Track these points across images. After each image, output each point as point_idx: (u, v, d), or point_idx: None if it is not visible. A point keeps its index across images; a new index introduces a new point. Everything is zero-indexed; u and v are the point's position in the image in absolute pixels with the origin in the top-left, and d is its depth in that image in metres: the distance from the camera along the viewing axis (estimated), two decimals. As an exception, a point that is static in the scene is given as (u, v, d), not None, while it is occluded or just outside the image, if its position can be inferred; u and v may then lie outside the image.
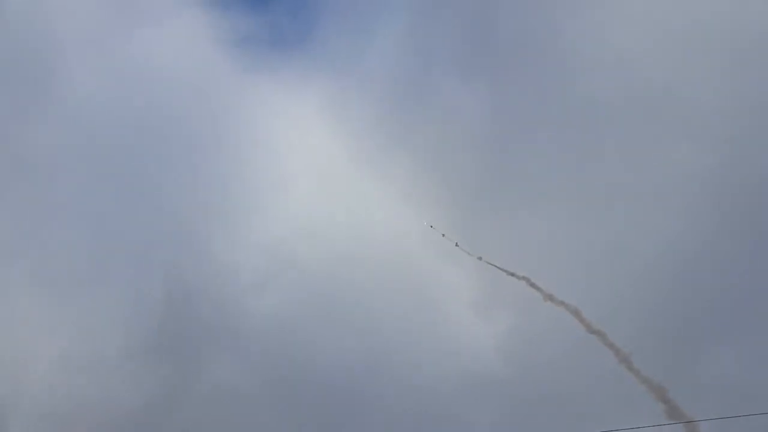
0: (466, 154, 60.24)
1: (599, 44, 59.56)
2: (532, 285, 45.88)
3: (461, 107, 62.52)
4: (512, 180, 58.60)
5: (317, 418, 50.95)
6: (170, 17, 69.03)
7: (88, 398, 50.71)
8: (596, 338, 42.50)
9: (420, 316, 56.08)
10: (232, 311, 56.45)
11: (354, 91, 66.90)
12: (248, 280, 58.23)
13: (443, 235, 48.63)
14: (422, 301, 56.79)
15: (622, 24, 60.26)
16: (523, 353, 50.91)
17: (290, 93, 66.26)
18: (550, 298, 45.13)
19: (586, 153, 57.08)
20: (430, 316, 56.09)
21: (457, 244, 47.99)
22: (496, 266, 47.03)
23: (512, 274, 46.55)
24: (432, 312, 56.36)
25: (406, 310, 56.40)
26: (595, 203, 54.35)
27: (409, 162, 61.62)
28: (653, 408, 41.70)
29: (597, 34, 60.32)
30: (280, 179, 62.69)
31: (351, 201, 60.65)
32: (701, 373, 45.68)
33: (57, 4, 65.78)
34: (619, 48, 59.17)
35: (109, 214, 61.37)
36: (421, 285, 57.59)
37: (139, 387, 52.03)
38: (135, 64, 67.05)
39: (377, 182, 61.64)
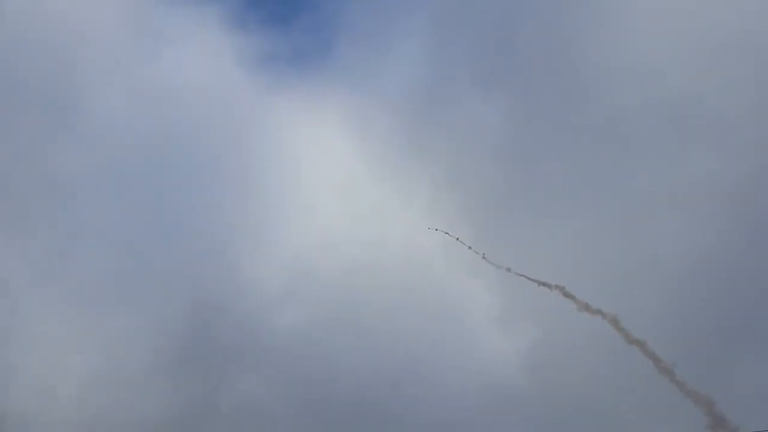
0: (488, 166, 60.66)
1: (621, 53, 59.97)
2: (567, 294, 45.07)
3: (482, 119, 63.10)
4: (536, 191, 58.81)
5: (340, 430, 51.21)
6: (192, 38, 70.40)
7: (117, 414, 51.44)
8: (637, 348, 41.57)
9: (443, 330, 56.31)
10: (256, 327, 57.07)
11: (374, 106, 67.81)
12: (272, 296, 58.91)
13: (469, 247, 48.45)
14: (445, 315, 57.05)
15: (645, 32, 60.51)
16: (548, 367, 50.94)
17: (311, 109, 67.25)
18: (585, 307, 44.29)
19: (610, 162, 57.27)
20: (453, 330, 56.32)
21: (484, 256, 47.75)
22: (527, 277, 46.48)
23: (545, 284, 45.53)
24: (455, 326, 56.57)
25: (429, 324, 56.66)
26: (621, 213, 54.38)
27: (431, 175, 62.16)
28: (688, 421, 40.85)
29: (619, 43, 60.71)
30: (302, 195, 63.49)
31: (373, 215, 61.23)
32: (739, 383, 45.32)
33: (82, 28, 67.11)
34: (642, 56, 59.44)
35: (136, 234, 62.50)
36: (443, 299, 57.87)
37: (166, 403, 52.73)
38: (159, 86, 68.38)
39: (398, 196, 62.17)
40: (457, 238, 48.89)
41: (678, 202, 54.67)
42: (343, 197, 63.20)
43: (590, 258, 51.60)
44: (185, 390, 53.76)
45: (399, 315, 56.97)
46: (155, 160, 64.83)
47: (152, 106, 67.19)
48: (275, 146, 65.25)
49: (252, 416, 51.80)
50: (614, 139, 58.56)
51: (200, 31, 70.93)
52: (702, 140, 56.60)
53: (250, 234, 61.57)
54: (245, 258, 60.45)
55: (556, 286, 45.30)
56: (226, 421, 51.76)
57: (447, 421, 50.29)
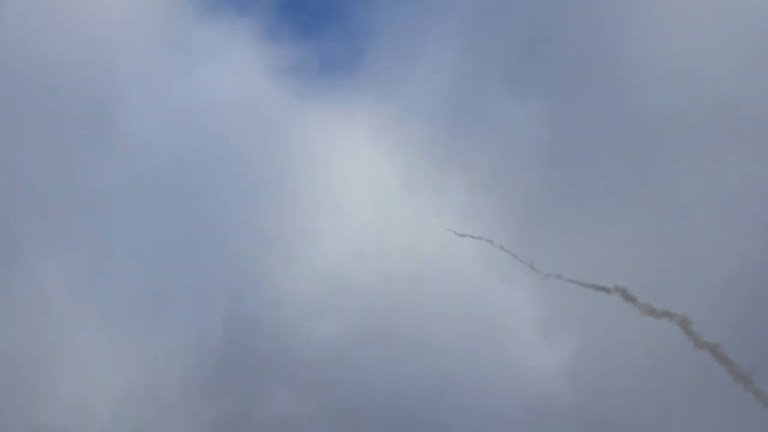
0: (524, 172, 59.80)
1: (659, 54, 58.98)
2: (628, 297, 43.00)
3: (517, 125, 62.32)
4: (574, 196, 57.81)
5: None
6: (224, 52, 71.09)
7: (153, 429, 51.14)
8: (709, 354, 39.36)
9: (481, 339, 55.42)
10: (291, 339, 56.84)
11: (406, 114, 67.48)
12: (306, 308, 58.63)
13: (514, 255, 47.31)
14: (484, 324, 56.15)
15: (683, 33, 59.60)
16: (592, 377, 49.68)
17: (343, 119, 67.25)
18: (649, 310, 41.99)
19: (649, 166, 56.20)
20: (492, 339, 55.36)
21: (531, 266, 46.24)
22: (580, 283, 44.67)
23: (603, 288, 43.51)
24: (494, 335, 55.62)
25: (467, 333, 55.82)
26: (664, 216, 53.20)
27: (465, 183, 61.46)
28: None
29: (656, 44, 59.70)
30: (335, 205, 63.26)
31: (407, 224, 60.68)
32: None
33: (116, 47, 68.23)
34: (681, 57, 58.44)
35: (171, 250, 62.95)
36: (482, 307, 56.98)
37: (201, 416, 52.53)
38: (192, 101, 69.12)
39: (432, 205, 61.54)
40: (501, 247, 47.86)
41: (721, 204, 53.33)
42: (376, 207, 62.89)
43: (632, 263, 50.13)
44: (220, 403, 53.72)
45: (436, 325, 56.22)
46: (189, 176, 65.43)
47: (185, 122, 67.96)
48: (307, 158, 65.35)
49: (287, 428, 51.26)
50: (653, 143, 57.39)
51: (232, 45, 71.74)
52: (742, 142, 55.30)
53: (284, 246, 61.59)
54: (279, 270, 60.44)
55: (617, 289, 42.96)
56: (261, 434, 51.33)
57: (487, 428, 49.19)
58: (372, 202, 63.28)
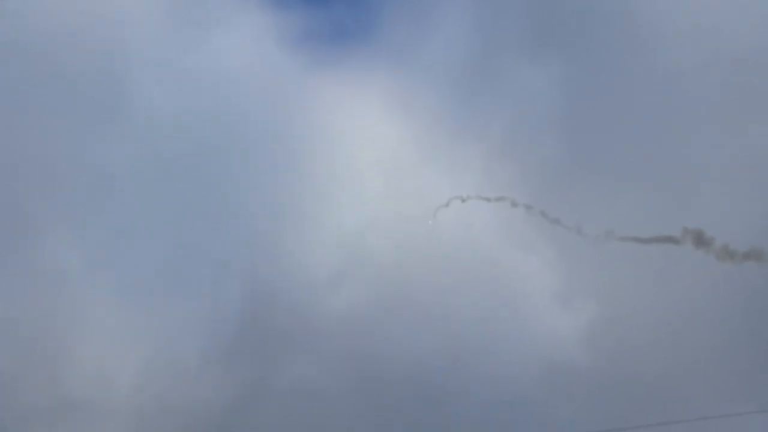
0: (543, 136, 59.57)
1: (678, 11, 58.00)
2: (703, 241, 39.29)
3: (535, 88, 61.96)
4: (594, 161, 57.47)
5: (396, 413, 51.47)
6: (233, 22, 71.11)
7: (173, 399, 52.68)
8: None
9: (499, 307, 56.00)
10: (308, 310, 57.79)
11: (420, 80, 67.32)
12: (322, 278, 59.54)
13: (542, 212, 45.37)
14: (501, 291, 56.63)
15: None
16: (609, 340, 49.99)
17: (356, 86, 67.22)
18: (728, 253, 38.72)
19: (670, 127, 55.52)
20: (509, 306, 55.89)
21: (578, 231, 44.33)
22: (638, 239, 41.89)
23: (668, 239, 39.90)
24: (512, 302, 56.12)
25: (486, 301, 56.32)
26: (686, 178, 52.67)
27: (482, 150, 61.41)
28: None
29: (675, 0, 58.76)
30: (349, 175, 63.67)
31: (423, 192, 60.86)
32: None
33: (124, 19, 68.64)
34: (700, 15, 57.47)
35: (185, 222, 63.76)
36: (498, 276, 57.43)
37: (220, 387, 53.84)
38: (202, 72, 69.44)
39: (449, 173, 61.64)
40: (542, 212, 46.40)
41: (741, 168, 52.55)
42: (391, 175, 63.13)
43: (655, 224, 49.21)
44: (239, 374, 55.00)
45: (453, 293, 56.76)
46: (201, 148, 66.10)
47: (196, 94, 68.44)
48: (320, 126, 65.65)
49: (306, 398, 52.48)
50: (673, 102, 56.62)
51: (240, 13, 71.77)
52: (765, 102, 54.25)
53: (298, 217, 62.18)
54: (294, 241, 61.17)
55: (687, 232, 39.36)
56: (280, 404, 52.66)
57: (505, 399, 50.08)
58: (386, 171, 63.58)
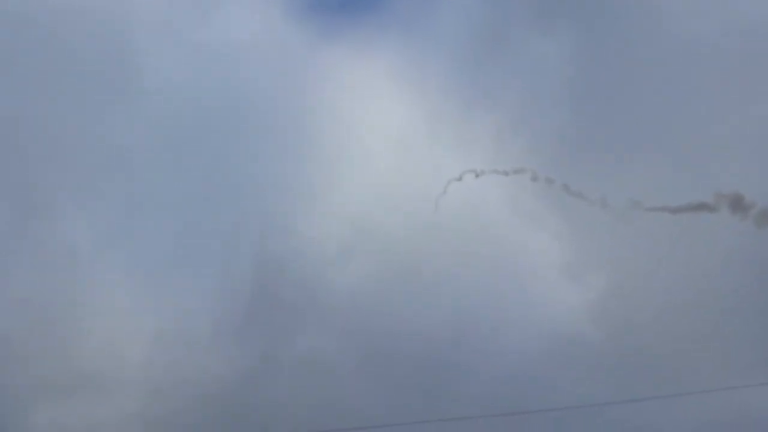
0: (553, 109, 59.05)
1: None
2: (741, 206, 36.47)
3: (546, 58, 61.37)
4: (607, 131, 56.77)
5: (404, 386, 52.12)
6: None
7: (185, 372, 53.71)
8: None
9: (507, 280, 56.25)
10: (318, 284, 58.43)
11: (429, 52, 66.87)
12: (331, 253, 60.04)
13: (565, 185, 43.98)
14: (509, 266, 56.80)
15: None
16: (617, 314, 50.04)
17: (363, 58, 66.94)
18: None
19: (684, 96, 54.68)
20: (517, 281, 56.07)
21: (603, 203, 42.83)
22: (666, 209, 39.81)
23: (701, 206, 37.66)
24: (520, 276, 56.28)
25: (494, 276, 56.61)
26: (699, 147, 51.91)
27: (493, 123, 61.05)
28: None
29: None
30: (358, 149, 63.69)
31: (432, 166, 60.85)
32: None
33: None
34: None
35: (195, 198, 64.27)
36: (507, 251, 57.58)
37: (232, 360, 54.72)
38: (210, 47, 69.45)
39: (459, 147, 61.49)
40: (564, 185, 45.30)
41: (758, 137, 51.60)
42: (400, 149, 63.09)
43: (672, 193, 48.02)
44: (249, 347, 55.89)
45: (461, 268, 57.01)
46: (210, 122, 66.40)
47: (204, 69, 68.61)
48: (329, 100, 65.55)
49: (316, 371, 53.27)
50: (687, 70, 55.68)
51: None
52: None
53: (307, 192, 62.46)
54: (303, 216, 61.58)
55: (721, 197, 37.73)
56: (290, 376, 53.51)
57: (513, 373, 50.51)
58: (396, 145, 63.56)
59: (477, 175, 53.07)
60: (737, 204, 37.59)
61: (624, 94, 58.02)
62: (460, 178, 54.67)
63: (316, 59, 67.89)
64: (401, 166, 62.31)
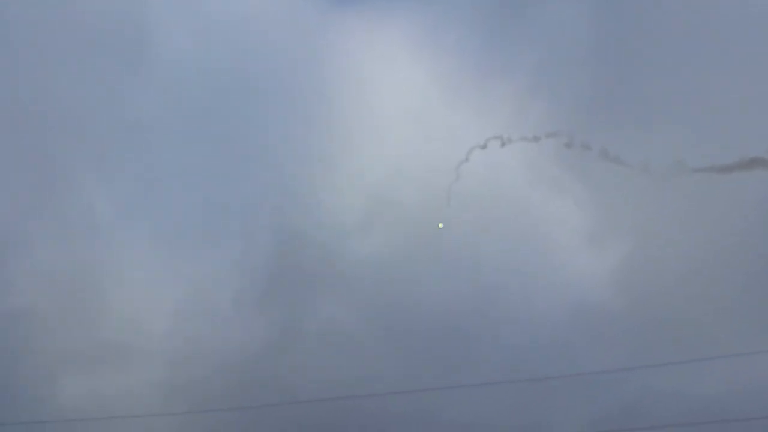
0: (572, 72, 58.21)
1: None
2: None
3: (565, 23, 60.45)
4: (628, 93, 55.85)
5: (425, 354, 52.51)
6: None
7: (205, 343, 54.57)
8: None
9: (528, 249, 56.06)
10: (338, 254, 58.83)
11: (446, 19, 66.14)
12: (350, 224, 60.23)
13: (602, 150, 41.97)
14: (531, 235, 56.59)
15: None
16: (639, 281, 49.82)
17: (379, 28, 66.42)
18: None
19: (704, 56, 53.56)
20: (539, 250, 55.89)
21: (644, 168, 40.05)
22: (712, 168, 36.93)
23: (755, 162, 34.79)
24: (541, 245, 56.08)
25: (514, 245, 56.43)
26: (722, 108, 50.90)
27: (512, 91, 60.49)
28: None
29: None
30: (375, 118, 63.53)
31: (450, 136, 60.56)
32: None
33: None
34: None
35: (213, 170, 64.64)
36: (528, 219, 57.31)
37: (252, 331, 55.49)
38: (224, 19, 69.26)
39: (477, 115, 61.03)
40: (601, 150, 43.34)
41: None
42: (417, 119, 62.79)
43: (696, 154, 46.56)
44: (270, 317, 56.54)
45: (482, 238, 56.90)
46: (226, 95, 66.50)
47: (219, 39, 68.53)
48: (344, 69, 65.24)
49: (336, 340, 53.89)
50: (706, 30, 54.42)
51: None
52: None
53: (324, 163, 62.55)
54: (321, 188, 61.77)
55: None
56: (310, 346, 54.21)
57: (534, 343, 50.52)
58: (413, 112, 63.22)
59: (503, 143, 52.32)
60: None
61: (644, 56, 56.98)
62: (484, 146, 54.04)
63: (331, 28, 67.69)
64: (420, 136, 62.09)
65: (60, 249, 58.47)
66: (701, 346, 42.89)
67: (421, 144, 61.18)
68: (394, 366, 52.31)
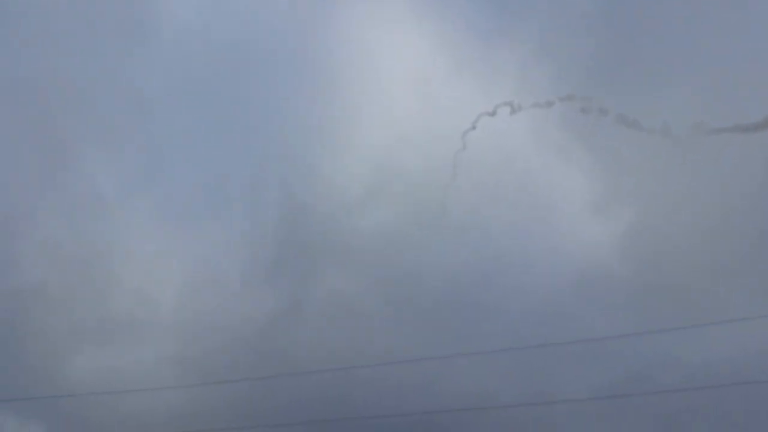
0: (578, 38, 57.30)
1: None
2: None
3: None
4: (635, 58, 54.89)
5: (431, 325, 52.83)
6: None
7: (213, 316, 55.17)
8: None
9: (532, 218, 55.97)
10: (343, 225, 58.93)
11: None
12: (355, 195, 60.27)
13: (621, 115, 40.57)
14: (537, 203, 56.43)
15: None
16: (644, 247, 49.69)
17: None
18: None
19: (712, 21, 52.48)
20: (545, 218, 55.73)
21: (664, 131, 38.87)
22: (737, 127, 35.51)
23: None
24: (547, 213, 55.92)
25: (520, 214, 56.34)
26: (729, 74, 50.08)
27: (517, 56, 59.78)
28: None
29: None
30: (380, 87, 63.05)
31: (455, 105, 60.11)
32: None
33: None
34: None
35: (219, 143, 64.68)
36: (532, 187, 57.06)
37: (261, 302, 56.01)
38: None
39: (481, 83, 60.47)
40: (620, 114, 41.67)
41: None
42: (421, 88, 62.30)
43: (706, 117, 45.60)
44: (277, 290, 56.96)
45: (487, 206, 56.75)
46: (230, 67, 66.15)
47: (222, 13, 67.98)
48: (347, 37, 64.54)
49: (343, 313, 54.28)
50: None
51: None
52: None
53: (329, 134, 62.42)
54: (326, 159, 61.66)
55: None
56: (318, 318, 54.67)
57: (540, 310, 50.73)
58: (417, 83, 62.71)
59: (513, 110, 51.23)
60: None
61: (643, 24, 55.91)
62: (493, 113, 53.23)
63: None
64: (425, 104, 61.70)
65: (67, 224, 59.05)
66: (706, 311, 42.87)
67: (427, 113, 60.86)
68: (401, 335, 52.74)
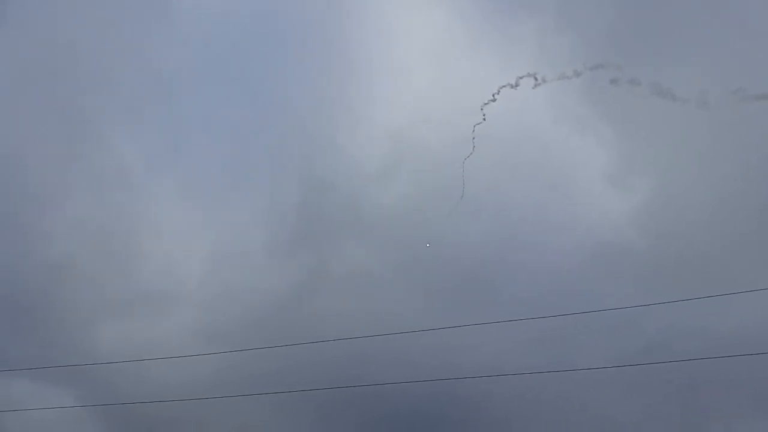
0: (597, 7, 56.56)
1: None
2: None
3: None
4: (655, 28, 54.01)
5: (449, 296, 53.41)
6: None
7: (238, 288, 56.30)
8: None
9: (550, 192, 55.94)
10: (363, 200, 59.81)
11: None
12: (374, 171, 60.73)
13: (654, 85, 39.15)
14: (554, 176, 56.36)
15: None
16: (661, 219, 49.45)
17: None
18: None
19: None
20: (560, 192, 55.74)
21: (701, 102, 35.59)
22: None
23: None
24: (563, 187, 55.87)
25: (537, 188, 56.43)
26: (748, 42, 49.07)
27: (535, 29, 59.32)
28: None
29: None
30: (397, 64, 63.21)
31: (473, 79, 59.92)
32: None
33: None
34: None
35: (240, 121, 65.35)
36: (550, 160, 56.93)
37: (282, 275, 57.09)
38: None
39: (499, 56, 60.13)
40: (654, 85, 39.18)
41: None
42: (439, 63, 62.20)
43: (725, 88, 44.33)
44: (298, 263, 57.90)
45: (505, 181, 56.94)
46: (250, 44, 66.64)
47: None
48: (364, 15, 64.54)
49: (361, 284, 55.11)
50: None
51: None
52: None
53: (348, 111, 62.73)
54: (345, 135, 62.18)
55: None
56: (338, 289, 55.61)
57: (555, 284, 51.11)
58: (434, 58, 62.63)
59: (537, 82, 49.78)
60: None
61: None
62: (516, 84, 52.23)
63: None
64: (440, 80, 61.60)
65: (94, 199, 60.42)
66: (722, 282, 42.73)
67: (446, 86, 60.77)
68: (417, 308, 53.37)
